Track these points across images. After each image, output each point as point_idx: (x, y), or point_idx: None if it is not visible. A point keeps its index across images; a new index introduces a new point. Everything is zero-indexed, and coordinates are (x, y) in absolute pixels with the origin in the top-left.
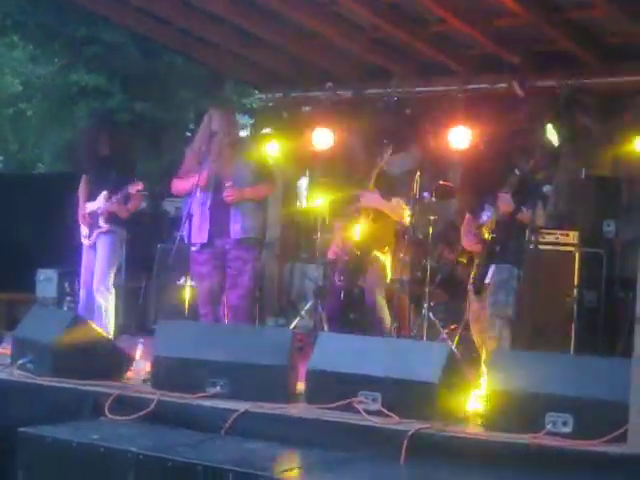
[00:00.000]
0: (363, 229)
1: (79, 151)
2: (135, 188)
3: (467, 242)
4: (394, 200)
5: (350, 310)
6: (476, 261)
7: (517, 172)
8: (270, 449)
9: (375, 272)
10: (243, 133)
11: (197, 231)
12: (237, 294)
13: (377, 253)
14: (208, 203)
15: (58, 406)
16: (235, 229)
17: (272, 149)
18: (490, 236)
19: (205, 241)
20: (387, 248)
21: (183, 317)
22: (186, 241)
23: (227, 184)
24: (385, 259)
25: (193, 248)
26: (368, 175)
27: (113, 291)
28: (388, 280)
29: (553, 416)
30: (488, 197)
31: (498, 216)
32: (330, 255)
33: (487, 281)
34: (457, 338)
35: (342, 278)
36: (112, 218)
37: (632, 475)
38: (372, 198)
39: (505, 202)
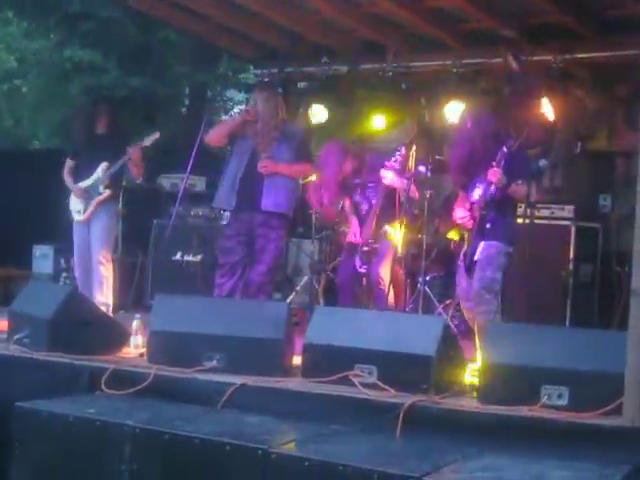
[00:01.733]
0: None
1: (75, 129)
2: (150, 140)
3: (459, 217)
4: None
5: (360, 290)
6: (467, 238)
7: (505, 149)
8: (266, 422)
9: (383, 246)
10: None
11: (224, 198)
12: (258, 270)
13: (387, 227)
14: (240, 174)
15: (54, 381)
16: (266, 202)
17: None
18: (480, 213)
19: (231, 208)
20: (397, 222)
21: (179, 292)
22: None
23: (264, 155)
24: (395, 233)
25: (222, 222)
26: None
27: (111, 263)
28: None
29: (549, 389)
30: (480, 173)
31: (488, 192)
32: (350, 238)
33: (476, 258)
34: (453, 312)
35: (365, 266)
36: (112, 185)
37: (627, 447)
38: (392, 178)
39: (496, 176)
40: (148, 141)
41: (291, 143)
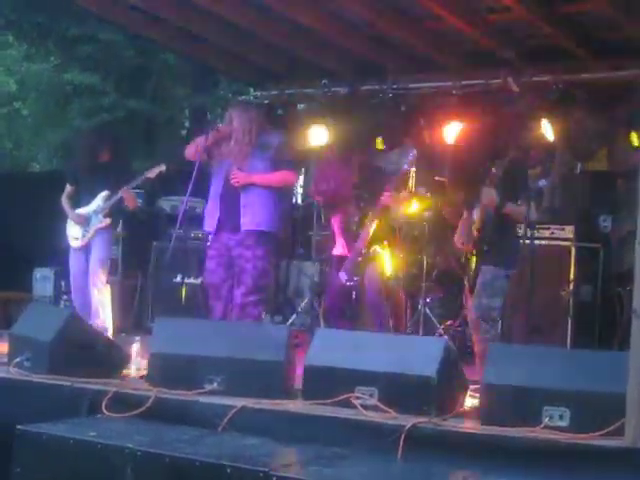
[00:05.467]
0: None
1: (77, 157)
2: (155, 172)
3: (458, 240)
4: (402, 194)
5: (349, 306)
6: (471, 260)
7: (493, 170)
8: (267, 445)
9: (375, 267)
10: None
11: (208, 219)
12: (240, 292)
13: (377, 247)
14: (219, 192)
15: (55, 404)
16: (244, 221)
17: None
18: (478, 235)
19: (213, 229)
20: (386, 242)
21: (180, 314)
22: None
23: (234, 168)
24: (384, 253)
25: (208, 243)
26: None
27: (109, 287)
28: (387, 275)
29: (550, 410)
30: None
31: (484, 213)
32: (336, 252)
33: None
34: (453, 333)
35: (355, 279)
36: (112, 213)
37: (629, 469)
38: (396, 199)
39: (488, 196)
40: (152, 173)
41: (266, 152)
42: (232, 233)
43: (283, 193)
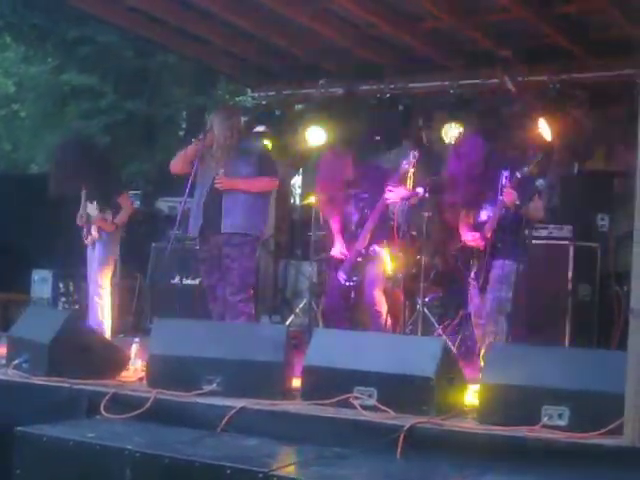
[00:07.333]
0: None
1: (58, 182)
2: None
3: (469, 238)
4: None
5: (348, 306)
6: (478, 258)
7: (518, 175)
8: (266, 445)
9: (374, 267)
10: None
11: (191, 224)
12: (228, 291)
13: (375, 247)
14: (203, 199)
15: (53, 406)
16: (225, 223)
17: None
18: (492, 233)
19: (196, 234)
20: (385, 242)
21: (178, 315)
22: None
23: (219, 172)
24: (383, 253)
25: (197, 247)
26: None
27: (109, 290)
28: (386, 275)
29: (549, 409)
30: (485, 194)
31: (500, 212)
32: (334, 253)
33: (490, 276)
34: (453, 332)
35: (354, 279)
36: (104, 226)
37: (628, 467)
38: (398, 193)
39: (510, 197)
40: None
41: (249, 158)
42: (217, 235)
43: (265, 197)
